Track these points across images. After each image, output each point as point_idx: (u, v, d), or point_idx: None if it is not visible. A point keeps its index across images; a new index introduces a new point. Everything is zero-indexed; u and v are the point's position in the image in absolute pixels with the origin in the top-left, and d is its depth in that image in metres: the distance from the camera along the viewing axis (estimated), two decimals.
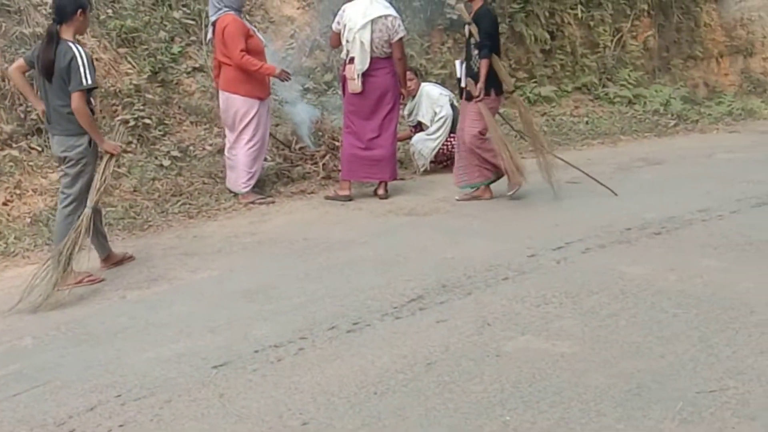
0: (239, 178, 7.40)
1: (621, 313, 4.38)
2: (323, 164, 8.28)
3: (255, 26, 9.38)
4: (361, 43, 7.16)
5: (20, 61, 5.54)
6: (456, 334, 4.20)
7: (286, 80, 7.54)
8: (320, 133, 8.68)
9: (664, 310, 4.38)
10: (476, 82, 6.94)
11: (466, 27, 7.08)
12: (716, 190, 7.34)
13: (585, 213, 6.65)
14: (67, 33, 5.29)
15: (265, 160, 7.91)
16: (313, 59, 9.94)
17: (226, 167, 7.59)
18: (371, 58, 7.22)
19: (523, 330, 4.22)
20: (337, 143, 8.37)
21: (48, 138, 6.34)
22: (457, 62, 7.27)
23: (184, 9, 9.22)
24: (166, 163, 7.81)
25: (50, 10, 5.55)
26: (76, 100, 5.20)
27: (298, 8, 10.18)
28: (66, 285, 5.15)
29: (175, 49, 8.83)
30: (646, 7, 13.46)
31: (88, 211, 5.33)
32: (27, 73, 5.57)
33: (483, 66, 6.86)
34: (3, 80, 7.40)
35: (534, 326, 4.26)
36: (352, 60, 7.18)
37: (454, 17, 10.94)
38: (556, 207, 6.96)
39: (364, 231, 6.41)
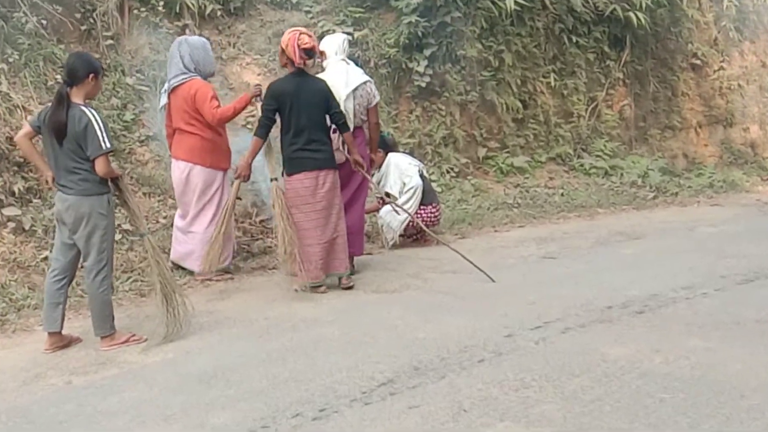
0: (196, 254, 7.33)
1: (605, 397, 4.38)
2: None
3: None
4: (345, 112, 7.24)
5: (27, 128, 5.64)
6: (430, 422, 4.16)
7: (258, 96, 7.31)
8: None
9: (650, 395, 4.39)
10: None
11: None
12: (700, 265, 7.44)
13: (563, 290, 6.69)
14: (77, 96, 5.48)
15: None
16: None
17: (173, 241, 7.51)
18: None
19: (502, 416, 4.19)
20: None
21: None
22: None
23: (138, 75, 9.30)
24: (117, 236, 7.75)
25: (61, 72, 5.66)
26: (100, 165, 5.41)
27: (259, 74, 10.29)
28: (110, 345, 5.64)
29: (128, 116, 8.86)
30: (621, 75, 13.83)
31: (148, 237, 5.77)
32: (33, 139, 5.70)
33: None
34: None
35: (513, 412, 4.24)
36: (335, 130, 7.25)
37: (423, 84, 11.15)
38: (532, 283, 7.00)
39: (329, 309, 6.39)
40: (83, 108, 5.42)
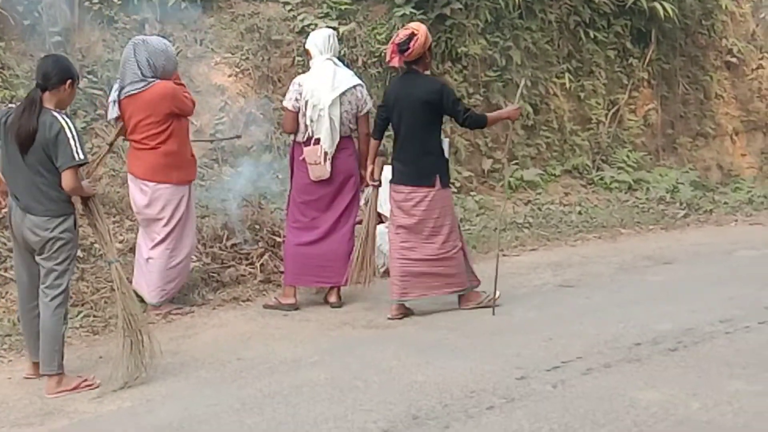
0: (154, 284, 7.28)
1: None
2: (261, 265, 8.24)
3: None
4: (331, 120, 7.25)
5: None
6: None
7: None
8: (257, 227, 8.66)
9: None
10: None
11: None
12: (740, 295, 7.42)
13: (584, 324, 6.67)
14: (49, 102, 5.52)
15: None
16: (248, 136, 10.01)
17: (134, 269, 7.47)
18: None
19: None
20: (278, 239, 8.35)
21: None
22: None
23: (90, 77, 9.28)
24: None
25: (34, 75, 5.80)
26: (69, 178, 5.44)
27: (230, 76, 10.30)
28: (57, 392, 5.58)
29: (79, 124, 8.81)
30: (645, 75, 13.89)
31: (116, 265, 5.77)
32: None
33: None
34: None
35: None
36: (317, 141, 7.22)
37: None
38: (549, 317, 6.98)
39: (313, 348, 6.34)
40: (55, 114, 5.48)
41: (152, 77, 7.15)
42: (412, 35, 6.99)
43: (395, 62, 7.12)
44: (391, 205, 7.27)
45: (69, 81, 5.60)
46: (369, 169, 7.38)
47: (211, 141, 9.40)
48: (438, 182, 7.10)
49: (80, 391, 5.62)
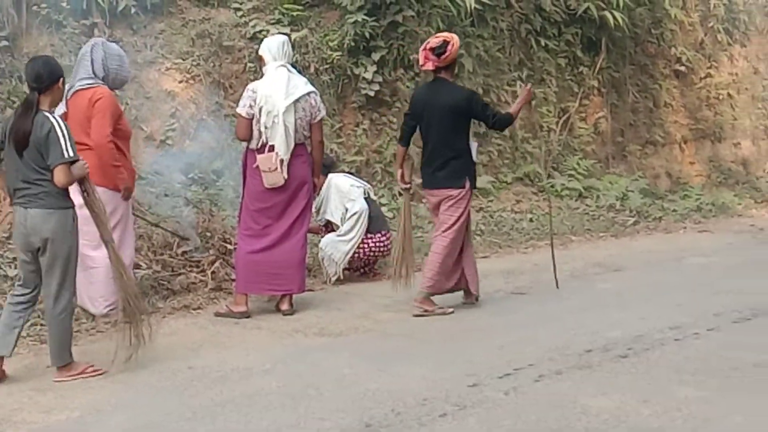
0: (98, 294, 7.18)
1: None
2: (212, 273, 8.21)
3: (127, 103, 9.42)
4: (285, 127, 7.24)
5: None
6: None
7: (126, 199, 7.34)
8: (209, 234, 8.62)
9: None
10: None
11: None
12: (689, 302, 7.53)
13: (536, 331, 6.72)
14: (44, 104, 5.76)
15: (138, 267, 7.78)
16: (199, 143, 9.96)
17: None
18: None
19: None
20: (229, 246, 8.32)
21: None
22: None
23: None
24: (11, 272, 7.61)
25: (28, 79, 5.90)
26: (59, 175, 5.61)
27: (180, 82, 10.25)
28: (68, 376, 5.82)
29: None
30: (596, 83, 14.04)
31: (112, 245, 6.00)
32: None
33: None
34: None
35: None
36: (272, 148, 7.22)
37: (371, 93, 11.18)
38: (501, 324, 7.03)
39: (265, 356, 6.30)
40: (47, 114, 5.68)
41: (101, 80, 7.09)
42: (446, 41, 7.29)
43: (429, 66, 7.40)
44: (428, 208, 7.77)
45: (60, 80, 5.83)
46: (399, 173, 7.73)
47: (156, 225, 9.03)
48: (467, 184, 7.44)
49: (86, 376, 5.84)
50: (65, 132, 5.64)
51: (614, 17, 13.33)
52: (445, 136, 7.39)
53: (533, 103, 12.32)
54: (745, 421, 4.76)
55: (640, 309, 7.33)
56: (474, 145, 7.61)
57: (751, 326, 6.79)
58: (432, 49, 7.33)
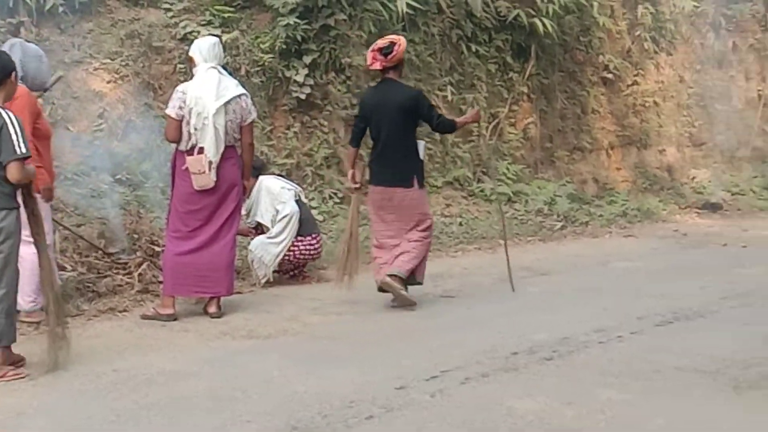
0: (23, 288, 7.06)
1: None
2: (139, 275, 8.12)
3: (53, 103, 9.27)
4: (216, 129, 7.19)
5: None
6: None
7: (48, 200, 7.24)
8: (136, 236, 8.53)
9: None
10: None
11: None
12: (614, 306, 7.65)
13: (463, 334, 6.76)
14: None
15: (63, 269, 7.66)
16: (127, 144, 9.85)
17: None
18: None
19: None
20: (157, 248, 8.24)
21: None
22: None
23: None
24: None
25: None
26: (12, 171, 5.55)
27: (108, 82, 10.12)
28: None
29: None
30: (525, 89, 14.16)
31: (52, 255, 6.06)
32: None
33: None
34: None
35: None
36: (201, 150, 7.17)
37: (302, 96, 11.15)
38: (429, 327, 7.06)
39: (192, 359, 6.25)
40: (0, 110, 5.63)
41: (21, 80, 6.97)
42: (392, 42, 7.56)
43: (377, 66, 7.65)
44: (372, 205, 7.85)
45: (12, 74, 5.86)
46: (350, 173, 7.98)
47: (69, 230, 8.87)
48: (415, 183, 7.68)
49: (8, 379, 5.72)
50: (17, 127, 5.59)
51: (544, 24, 13.47)
52: (395, 134, 7.63)
53: (463, 108, 12.49)
54: (667, 423, 4.84)
55: (566, 312, 7.42)
56: (421, 144, 7.81)
57: (673, 329, 6.91)
58: (379, 50, 7.57)
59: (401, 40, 7.64)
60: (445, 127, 8.10)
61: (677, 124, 16.83)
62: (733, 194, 16.25)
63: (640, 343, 6.49)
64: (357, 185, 7.95)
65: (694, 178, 16.60)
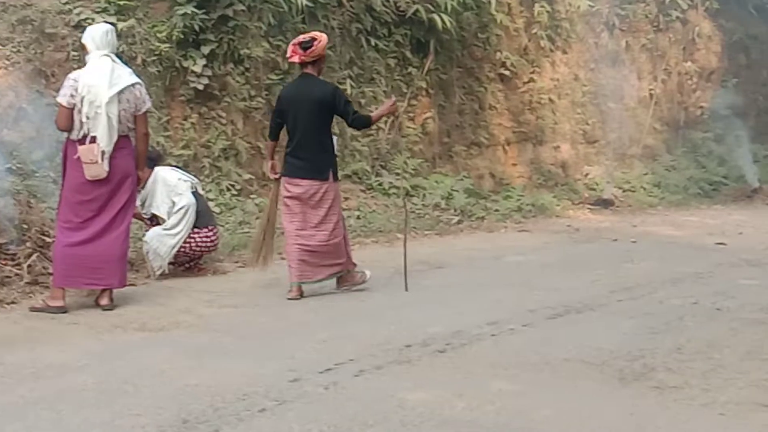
0: None
1: None
2: (29, 266, 7.93)
3: None
4: (108, 118, 7.06)
5: None
6: None
7: None
8: (26, 226, 8.32)
9: None
10: None
11: None
12: (507, 298, 7.77)
13: (358, 326, 6.79)
14: None
15: None
16: (18, 132, 9.61)
17: None
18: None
19: None
20: (47, 239, 8.05)
21: None
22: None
23: None
24: None
25: None
26: None
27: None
28: None
29: None
30: (424, 85, 14.23)
31: None
32: None
33: None
34: None
35: None
36: (93, 139, 7.03)
37: (200, 87, 11.03)
38: (323, 319, 7.07)
39: (81, 352, 6.14)
40: None
41: None
42: (313, 38, 7.72)
43: (295, 59, 7.84)
44: (285, 196, 7.91)
45: None
46: (270, 164, 8.24)
47: None
48: (331, 176, 7.91)
49: None
50: None
51: (442, 20, 13.55)
52: (311, 129, 7.82)
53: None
54: (554, 413, 4.93)
55: (459, 305, 7.50)
56: (335, 139, 8.03)
57: (562, 322, 7.06)
58: (299, 44, 7.76)
59: (323, 37, 7.79)
60: (361, 122, 8.27)
61: (571, 121, 17.12)
62: (624, 191, 16.63)
63: (531, 335, 6.61)
64: (277, 176, 8.08)
65: (587, 174, 16.92)
